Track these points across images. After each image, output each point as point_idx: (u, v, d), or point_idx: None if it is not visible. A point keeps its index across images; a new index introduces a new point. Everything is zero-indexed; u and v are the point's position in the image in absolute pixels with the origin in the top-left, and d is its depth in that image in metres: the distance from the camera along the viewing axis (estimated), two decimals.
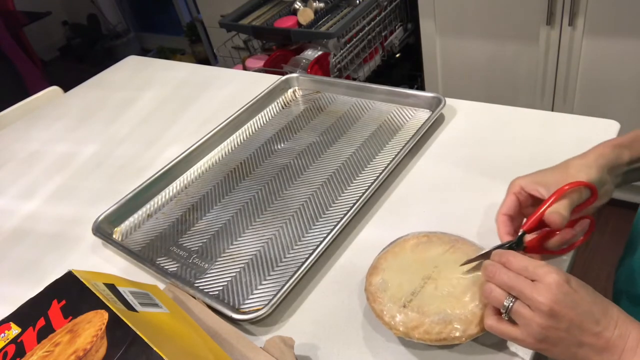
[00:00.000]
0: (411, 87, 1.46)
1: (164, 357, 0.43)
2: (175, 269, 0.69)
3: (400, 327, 0.50)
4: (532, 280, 0.44)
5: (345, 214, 0.67)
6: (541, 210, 0.50)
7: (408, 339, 0.50)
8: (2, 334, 0.50)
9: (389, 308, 0.51)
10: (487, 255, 0.51)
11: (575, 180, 0.50)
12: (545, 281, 0.43)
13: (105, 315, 0.47)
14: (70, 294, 0.51)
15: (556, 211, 0.49)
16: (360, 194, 0.71)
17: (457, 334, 0.48)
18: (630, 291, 0.60)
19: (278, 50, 1.62)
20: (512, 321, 0.45)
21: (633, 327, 0.43)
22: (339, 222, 0.66)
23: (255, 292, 0.63)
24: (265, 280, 0.64)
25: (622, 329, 0.42)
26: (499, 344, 0.51)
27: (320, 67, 1.49)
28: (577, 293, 0.43)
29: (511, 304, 0.44)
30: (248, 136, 0.93)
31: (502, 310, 0.45)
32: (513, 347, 0.51)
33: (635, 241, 0.59)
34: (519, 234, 0.52)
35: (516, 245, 0.52)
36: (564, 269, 0.56)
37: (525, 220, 0.54)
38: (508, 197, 0.55)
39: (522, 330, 0.44)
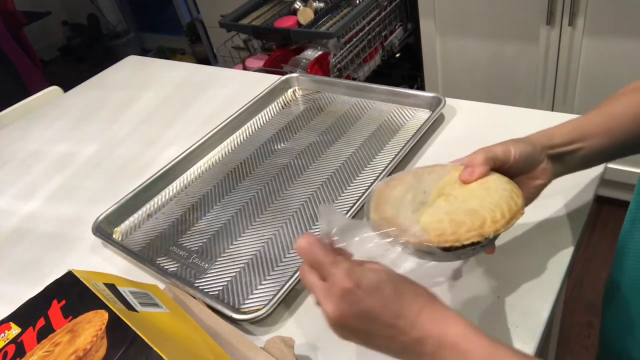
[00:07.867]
0: (411, 87, 1.46)
1: (164, 357, 0.43)
2: (175, 269, 0.69)
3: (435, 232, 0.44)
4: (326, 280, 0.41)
5: (345, 214, 0.67)
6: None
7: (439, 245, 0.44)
8: (2, 334, 0.50)
9: (409, 217, 0.46)
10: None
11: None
12: (332, 290, 0.41)
13: (105, 315, 0.47)
14: (70, 294, 0.51)
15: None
16: (360, 194, 0.71)
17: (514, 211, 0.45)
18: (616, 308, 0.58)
19: (278, 50, 1.62)
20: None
21: (435, 329, 0.39)
22: None
23: (255, 292, 0.63)
24: (265, 280, 0.64)
25: (420, 332, 0.40)
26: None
27: (320, 67, 1.49)
28: (365, 300, 0.40)
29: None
30: (248, 136, 0.93)
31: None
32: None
33: (621, 258, 0.57)
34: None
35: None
36: (562, 270, 0.56)
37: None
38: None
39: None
